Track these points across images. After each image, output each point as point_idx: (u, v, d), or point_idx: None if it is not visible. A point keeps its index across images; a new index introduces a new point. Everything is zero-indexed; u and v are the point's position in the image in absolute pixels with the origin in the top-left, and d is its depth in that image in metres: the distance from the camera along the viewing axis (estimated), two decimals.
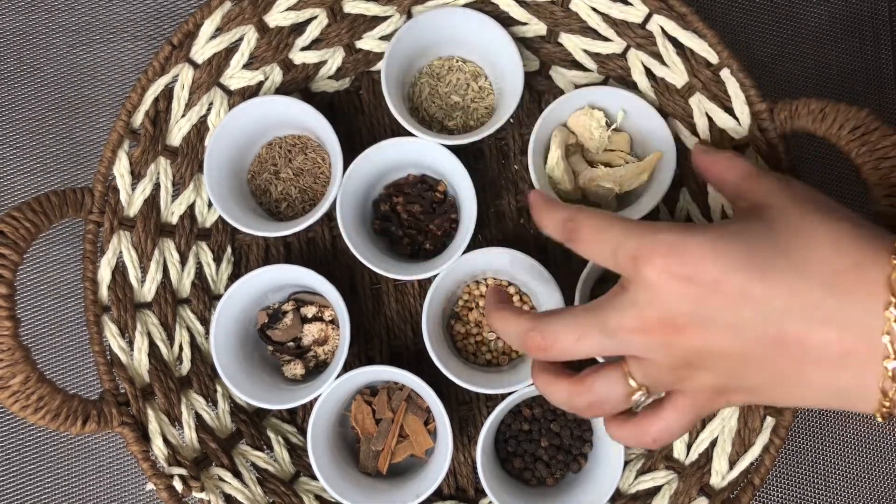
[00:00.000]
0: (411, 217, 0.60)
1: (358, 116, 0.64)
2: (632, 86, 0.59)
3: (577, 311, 0.39)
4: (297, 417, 0.62)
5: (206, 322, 0.60)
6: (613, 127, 0.59)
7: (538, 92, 0.64)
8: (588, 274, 0.55)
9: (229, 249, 0.62)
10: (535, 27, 0.60)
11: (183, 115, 0.58)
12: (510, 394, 0.55)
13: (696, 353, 0.36)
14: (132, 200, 0.56)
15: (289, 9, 0.58)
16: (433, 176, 0.61)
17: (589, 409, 0.40)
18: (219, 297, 0.59)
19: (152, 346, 0.56)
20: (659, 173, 0.57)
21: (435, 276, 0.56)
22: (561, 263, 0.61)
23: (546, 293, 0.57)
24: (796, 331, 0.34)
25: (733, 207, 0.44)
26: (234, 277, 0.62)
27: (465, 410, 0.61)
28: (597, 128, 0.58)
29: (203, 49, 0.57)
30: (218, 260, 0.62)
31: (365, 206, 0.61)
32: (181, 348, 0.58)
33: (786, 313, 0.34)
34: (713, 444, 0.54)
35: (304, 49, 0.60)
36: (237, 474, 0.56)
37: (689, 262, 0.35)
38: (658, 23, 0.55)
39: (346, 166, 0.57)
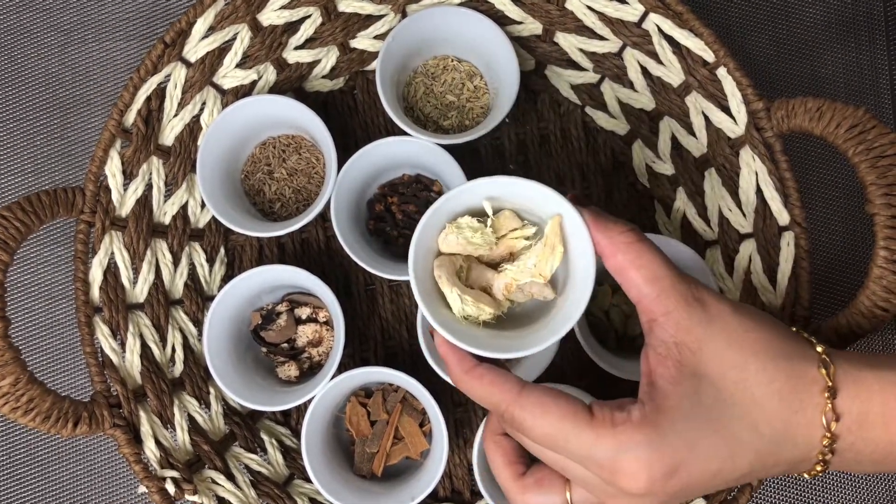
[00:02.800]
0: (406, 217, 0.59)
1: (352, 116, 0.64)
2: (628, 85, 0.59)
3: (553, 492, 0.41)
4: (291, 419, 0.61)
5: (198, 323, 0.59)
6: (488, 220, 0.43)
7: (534, 91, 0.63)
8: None
9: (222, 250, 0.62)
10: (531, 26, 0.59)
11: (176, 115, 0.57)
12: None
13: None
14: (124, 200, 0.56)
15: (282, 7, 0.57)
16: (428, 175, 0.60)
17: None
18: (212, 298, 0.59)
19: (144, 347, 0.56)
20: (570, 240, 0.42)
21: None
22: None
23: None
24: (757, 475, 0.38)
25: (647, 328, 0.39)
26: (227, 278, 0.61)
27: (461, 412, 0.61)
28: (471, 233, 0.43)
29: (196, 48, 0.56)
30: (211, 261, 0.61)
31: (359, 205, 0.60)
32: (174, 350, 0.57)
33: (749, 474, 0.38)
34: None
35: (297, 48, 0.60)
36: (230, 477, 0.56)
37: (668, 467, 0.36)
38: (654, 21, 0.55)
39: (340, 166, 0.56)
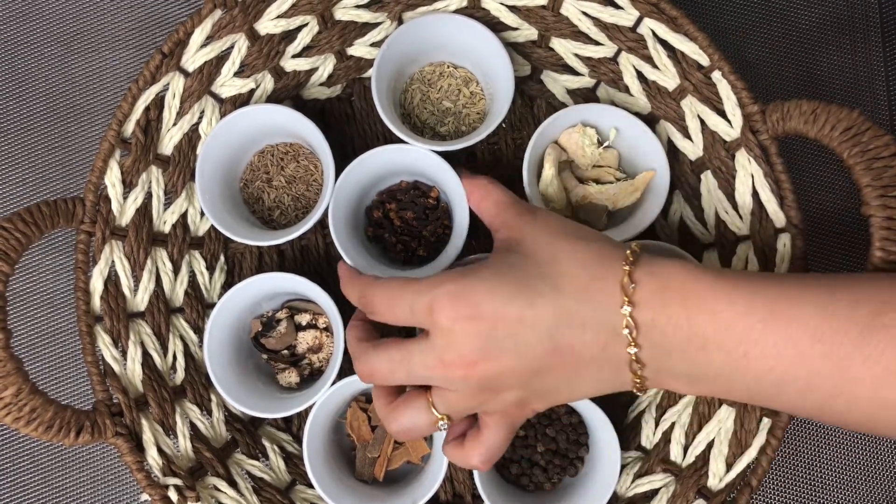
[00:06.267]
0: (404, 223, 0.59)
1: (350, 123, 0.64)
2: (623, 89, 0.59)
3: (390, 348, 0.45)
4: (293, 426, 0.62)
5: (199, 331, 0.60)
6: (606, 145, 0.59)
7: (530, 97, 0.64)
8: None
9: (222, 258, 0.62)
10: (527, 32, 0.60)
11: (174, 124, 0.57)
12: None
13: (491, 379, 0.42)
14: (124, 210, 0.56)
15: (279, 16, 0.58)
16: (426, 182, 0.61)
17: (400, 434, 0.46)
18: (212, 305, 0.59)
19: (146, 355, 0.56)
20: (651, 191, 0.57)
21: None
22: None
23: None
24: (564, 340, 0.41)
25: (493, 237, 0.48)
26: (227, 286, 0.62)
27: None
28: (589, 145, 0.58)
29: (194, 57, 0.57)
30: (211, 268, 0.61)
31: (358, 213, 0.60)
32: (175, 358, 0.58)
33: (554, 328, 0.41)
34: (710, 445, 0.54)
35: (295, 56, 0.60)
36: (233, 483, 0.56)
37: (471, 305, 0.41)
38: (649, 26, 0.55)
39: (338, 174, 0.56)
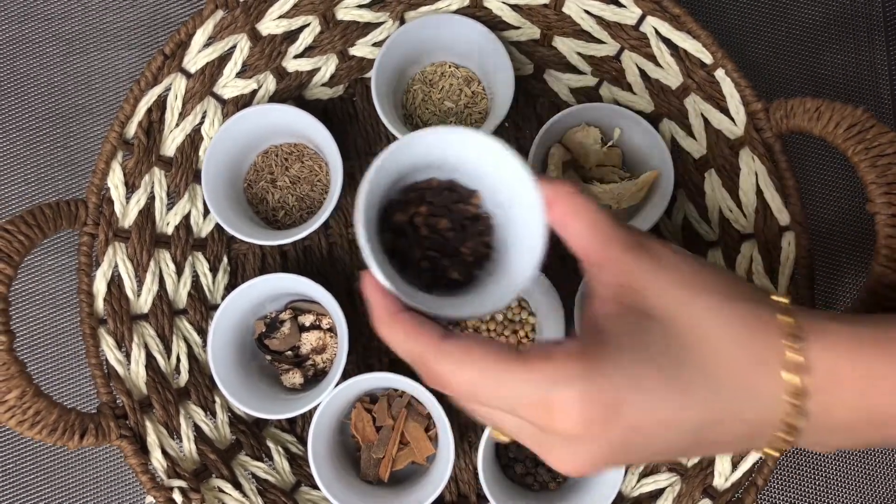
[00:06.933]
0: (435, 234, 0.42)
1: (352, 124, 0.64)
2: (626, 88, 0.59)
3: (491, 376, 0.33)
4: (297, 427, 0.62)
5: (203, 333, 0.59)
6: (610, 144, 0.59)
7: (532, 96, 0.63)
8: (583, 291, 0.55)
9: (225, 259, 0.62)
10: (529, 31, 0.59)
11: (177, 125, 0.57)
12: None
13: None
14: (127, 211, 0.56)
15: (281, 16, 0.57)
16: (464, 185, 0.42)
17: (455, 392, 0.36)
18: (215, 307, 0.59)
19: (149, 357, 0.56)
20: (655, 190, 0.57)
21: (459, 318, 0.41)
22: (558, 272, 0.60)
23: (545, 302, 0.57)
24: (710, 437, 0.34)
25: (589, 275, 0.36)
26: (230, 287, 0.61)
27: (466, 416, 0.61)
28: (592, 144, 0.58)
29: (196, 58, 0.56)
30: (214, 270, 0.61)
31: (377, 214, 0.43)
32: (178, 359, 0.58)
33: (702, 427, 0.33)
34: None
35: (297, 57, 0.60)
36: (237, 485, 0.56)
37: (608, 408, 0.31)
38: (652, 24, 0.55)
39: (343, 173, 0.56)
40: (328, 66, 0.61)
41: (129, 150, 0.56)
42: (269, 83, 0.60)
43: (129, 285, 0.56)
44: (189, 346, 0.59)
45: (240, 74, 0.59)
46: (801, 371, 0.32)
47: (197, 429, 0.56)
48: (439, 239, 0.42)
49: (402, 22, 0.60)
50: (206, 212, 0.60)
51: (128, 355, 0.55)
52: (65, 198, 0.58)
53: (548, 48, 0.60)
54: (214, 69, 0.57)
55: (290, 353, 0.60)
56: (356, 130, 0.64)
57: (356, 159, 0.63)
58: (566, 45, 0.59)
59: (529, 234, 0.37)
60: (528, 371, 0.32)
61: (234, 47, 0.58)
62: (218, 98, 0.59)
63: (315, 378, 0.60)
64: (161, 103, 0.56)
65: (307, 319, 0.60)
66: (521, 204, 0.37)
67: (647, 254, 0.35)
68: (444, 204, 0.42)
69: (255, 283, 0.56)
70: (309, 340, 0.59)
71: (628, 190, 0.58)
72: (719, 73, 0.53)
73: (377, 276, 0.36)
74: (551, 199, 0.36)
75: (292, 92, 0.62)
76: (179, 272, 0.59)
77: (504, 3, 0.59)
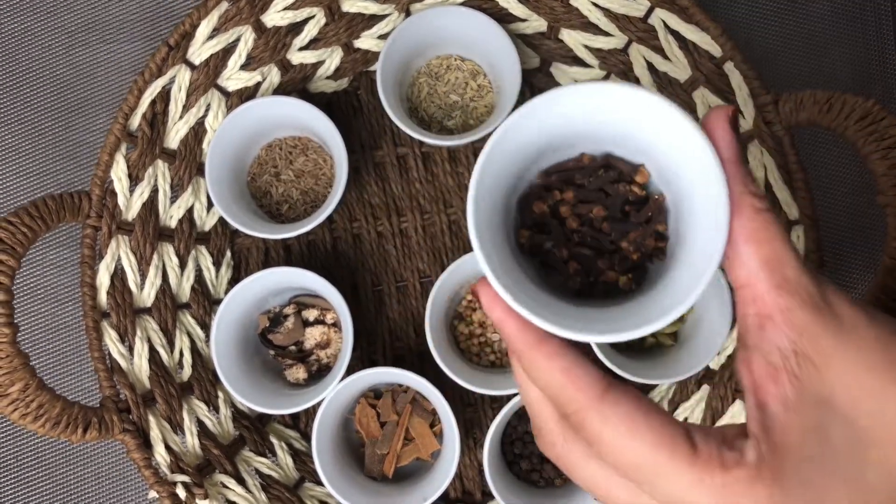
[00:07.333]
0: (587, 226, 0.33)
1: (357, 117, 0.64)
2: (634, 81, 0.58)
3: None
4: (301, 422, 0.61)
5: (206, 327, 0.59)
6: None
7: (539, 89, 0.63)
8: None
9: (228, 253, 0.62)
10: (536, 23, 0.59)
11: (180, 118, 0.57)
12: (516, 395, 0.55)
13: None
14: (130, 204, 0.55)
15: (286, 8, 0.57)
16: (626, 158, 0.33)
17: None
18: (219, 301, 0.59)
19: (152, 351, 0.55)
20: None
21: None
22: None
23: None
24: None
25: (759, 349, 0.28)
26: (233, 281, 0.61)
27: (471, 413, 0.61)
28: None
29: (200, 50, 0.56)
30: (217, 264, 0.61)
31: (506, 204, 0.33)
32: (182, 354, 0.57)
33: None
34: None
35: (301, 49, 0.59)
36: (241, 481, 0.55)
37: None
38: (660, 16, 0.54)
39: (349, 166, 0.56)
40: (333, 58, 0.61)
41: (132, 143, 0.55)
42: (274, 76, 0.60)
43: (132, 278, 0.55)
44: (192, 341, 0.58)
45: (244, 66, 0.58)
46: None
47: (200, 424, 0.56)
48: (593, 232, 0.33)
49: (408, 14, 0.59)
50: (210, 205, 0.60)
51: (131, 349, 0.54)
52: (67, 191, 0.57)
53: (555, 41, 0.60)
54: (219, 61, 0.57)
55: (293, 348, 0.59)
56: (360, 124, 0.63)
57: (360, 153, 0.62)
58: (573, 38, 0.59)
59: (708, 220, 0.29)
60: (699, 480, 0.27)
61: (238, 39, 0.57)
62: (222, 90, 0.58)
63: (319, 373, 0.59)
64: (165, 95, 0.56)
65: (311, 314, 0.59)
66: (697, 180, 0.29)
67: (831, 315, 0.28)
68: (599, 186, 0.33)
69: (259, 277, 0.56)
70: (313, 335, 0.59)
71: None
72: (728, 66, 0.53)
73: (501, 295, 0.28)
74: (737, 204, 0.28)
75: (297, 85, 0.61)
76: (183, 266, 0.59)
77: None
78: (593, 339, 0.28)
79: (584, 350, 0.30)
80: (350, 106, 0.64)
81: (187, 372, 0.57)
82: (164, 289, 0.57)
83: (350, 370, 0.55)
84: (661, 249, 0.32)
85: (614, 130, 0.31)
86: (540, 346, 0.29)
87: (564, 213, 0.33)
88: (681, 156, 0.29)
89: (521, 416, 0.58)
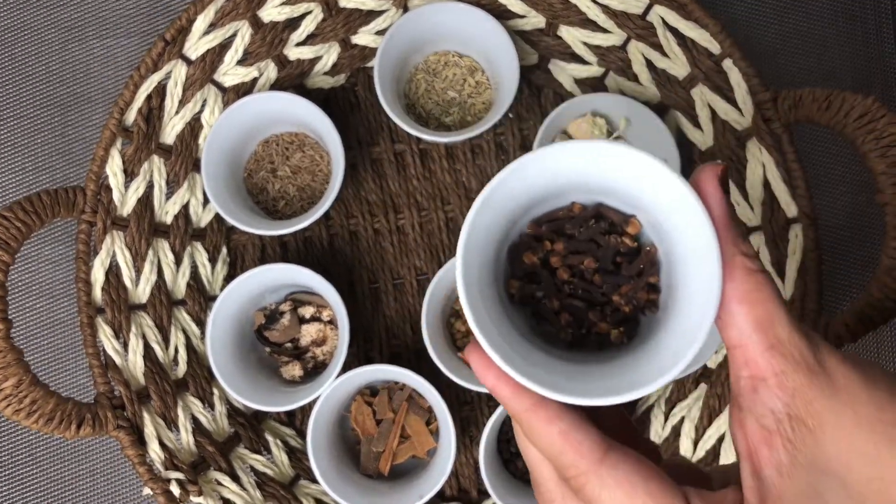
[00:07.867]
0: (578, 278, 0.33)
1: (354, 113, 0.63)
2: (632, 78, 0.58)
3: None
4: (296, 420, 0.61)
5: (201, 324, 0.59)
6: (616, 135, 0.58)
7: (537, 86, 0.63)
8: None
9: (224, 249, 0.61)
10: (534, 20, 0.59)
11: (177, 113, 0.57)
12: None
13: None
14: (125, 200, 0.55)
15: (283, 3, 0.57)
16: (618, 208, 0.33)
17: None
18: (214, 298, 0.59)
19: (147, 348, 0.55)
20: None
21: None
22: None
23: None
24: None
25: (752, 412, 0.28)
26: (229, 278, 0.61)
27: (467, 411, 0.61)
28: (598, 135, 0.58)
29: (196, 45, 0.56)
30: (213, 260, 0.61)
31: (497, 255, 0.33)
32: (177, 350, 0.57)
33: None
34: (720, 440, 0.53)
35: (298, 44, 0.59)
36: (235, 478, 0.55)
37: None
38: (659, 13, 0.54)
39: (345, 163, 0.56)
40: (330, 54, 0.60)
41: (128, 138, 0.55)
42: (270, 71, 0.59)
43: (127, 274, 0.55)
44: (187, 337, 0.58)
45: (241, 62, 0.58)
46: None
47: (195, 420, 0.56)
48: (584, 284, 0.33)
49: (406, 10, 0.59)
50: (206, 201, 0.59)
51: (125, 345, 0.54)
52: (62, 186, 0.57)
53: (553, 37, 0.60)
54: (215, 56, 0.57)
55: (289, 345, 0.59)
56: (358, 120, 0.63)
57: (357, 149, 0.62)
58: (572, 35, 0.59)
59: (699, 278, 0.29)
60: None
61: (235, 34, 0.57)
62: (218, 85, 0.58)
63: (315, 370, 0.59)
64: (161, 90, 0.56)
65: (307, 311, 0.59)
66: (688, 237, 0.29)
67: (824, 377, 0.28)
68: (590, 237, 0.33)
69: (255, 273, 0.56)
70: (309, 332, 0.59)
71: None
72: (727, 63, 0.53)
73: (494, 360, 0.28)
74: (726, 251, 0.28)
75: (293, 80, 0.61)
76: (178, 262, 0.58)
77: None
78: (587, 402, 0.28)
79: (582, 410, 0.29)
80: (347, 102, 0.63)
81: (182, 368, 0.57)
82: (160, 285, 0.57)
83: (346, 367, 0.55)
84: (654, 301, 0.32)
85: (605, 184, 0.31)
86: (537, 410, 0.29)
87: (555, 263, 0.33)
88: (672, 213, 0.29)
89: None
